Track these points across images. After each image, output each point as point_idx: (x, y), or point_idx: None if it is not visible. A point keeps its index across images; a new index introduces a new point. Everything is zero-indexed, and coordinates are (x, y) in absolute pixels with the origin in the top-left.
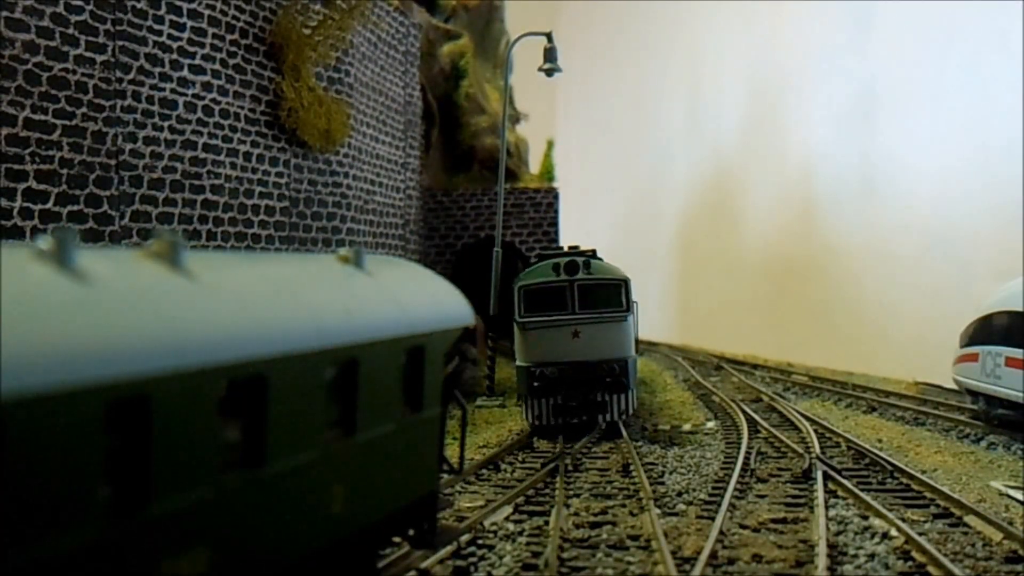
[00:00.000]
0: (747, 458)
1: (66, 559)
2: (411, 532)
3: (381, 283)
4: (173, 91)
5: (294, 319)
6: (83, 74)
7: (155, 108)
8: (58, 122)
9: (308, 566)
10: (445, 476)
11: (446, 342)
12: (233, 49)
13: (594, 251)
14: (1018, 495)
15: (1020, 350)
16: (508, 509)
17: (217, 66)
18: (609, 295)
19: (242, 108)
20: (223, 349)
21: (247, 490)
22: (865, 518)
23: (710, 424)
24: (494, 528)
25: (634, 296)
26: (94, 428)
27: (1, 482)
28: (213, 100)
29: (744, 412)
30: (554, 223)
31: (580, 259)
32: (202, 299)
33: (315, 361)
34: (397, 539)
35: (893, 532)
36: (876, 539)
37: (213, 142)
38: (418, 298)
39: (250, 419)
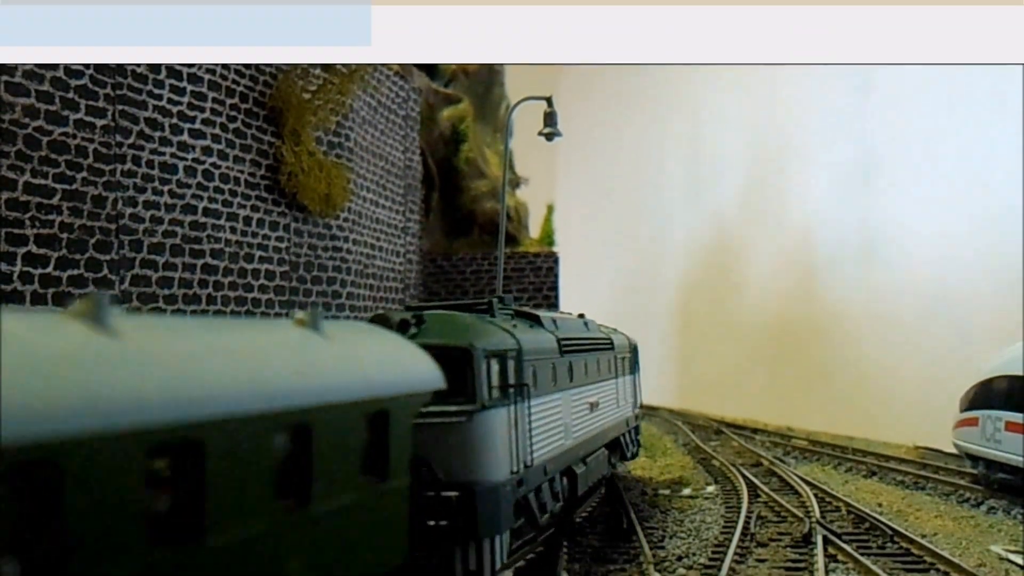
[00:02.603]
0: (747, 522)
1: None
2: None
3: (339, 346)
4: (173, 155)
5: (236, 381)
6: (83, 138)
7: (155, 172)
8: (58, 186)
9: None
10: None
11: (413, 407)
12: (233, 113)
13: (581, 315)
14: (1018, 559)
15: (1020, 415)
16: (508, 574)
17: (217, 130)
18: (452, 375)
19: (242, 172)
20: (147, 411)
21: (184, 567)
22: None
23: (710, 488)
24: None
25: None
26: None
27: None
28: (213, 164)
29: (744, 476)
30: (554, 287)
31: (415, 316)
32: (126, 361)
33: (260, 425)
34: None
35: None
36: None
37: (213, 206)
38: (380, 361)
39: (186, 488)
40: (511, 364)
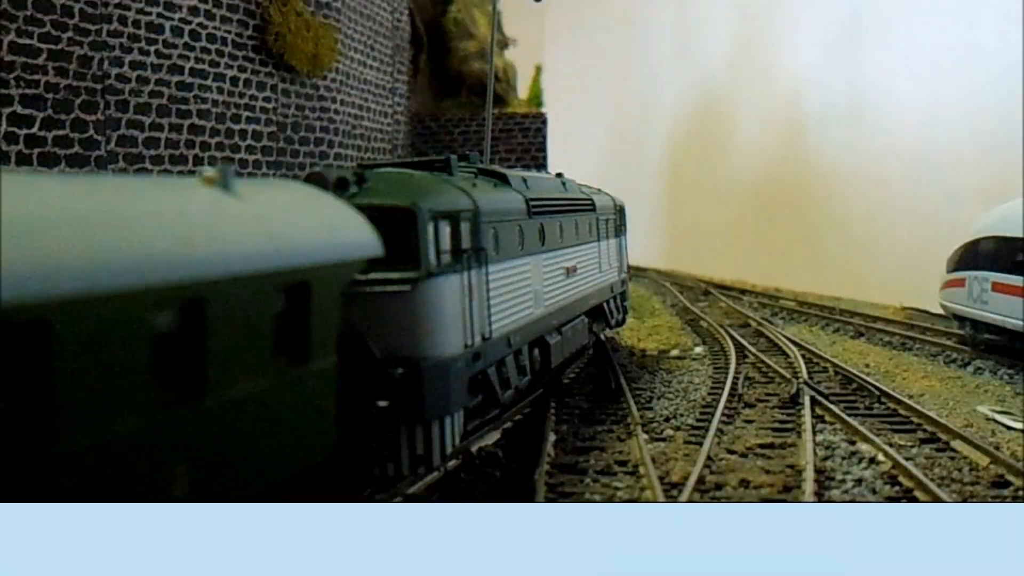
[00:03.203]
0: (735, 383)
1: None
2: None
3: (251, 208)
4: (159, 15)
5: (105, 250)
6: None
7: (141, 32)
8: (43, 46)
9: None
10: None
11: (340, 278)
12: None
13: (559, 174)
14: (1005, 419)
15: (1007, 275)
16: (496, 435)
17: None
18: (394, 239)
19: (229, 32)
20: None
21: (35, 474)
22: (852, 443)
23: (698, 349)
24: (482, 454)
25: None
26: None
27: None
28: (200, 24)
29: (732, 337)
30: (542, 148)
31: (356, 174)
32: None
33: (128, 303)
34: None
35: (880, 457)
36: (863, 464)
37: (200, 67)
38: (302, 226)
39: (30, 380)
40: (465, 226)
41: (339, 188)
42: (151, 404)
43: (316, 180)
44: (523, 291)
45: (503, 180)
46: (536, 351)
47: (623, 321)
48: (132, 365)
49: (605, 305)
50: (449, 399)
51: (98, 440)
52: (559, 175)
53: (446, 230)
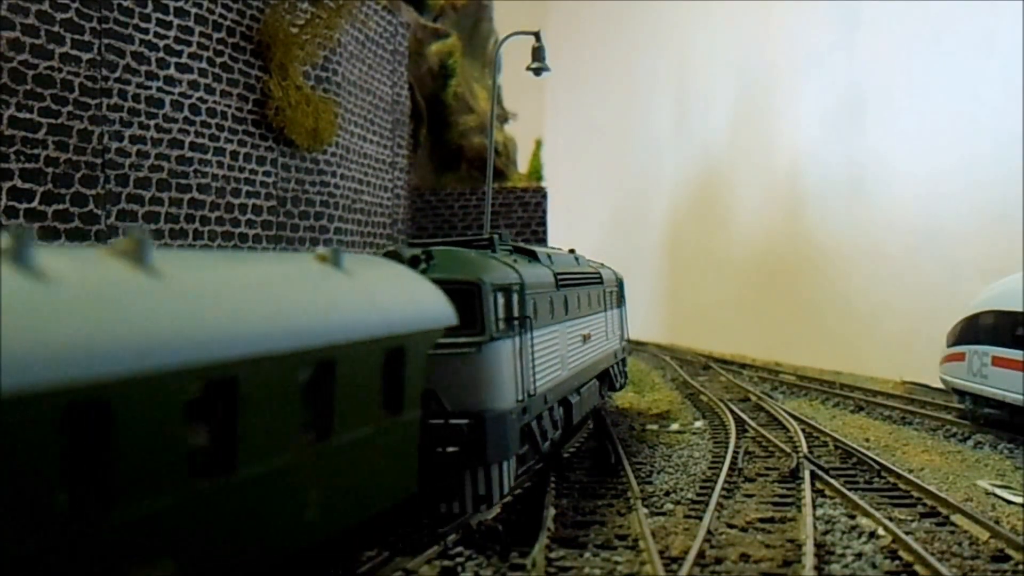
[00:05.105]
0: (735, 457)
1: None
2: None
3: (359, 283)
4: (160, 89)
5: (267, 320)
6: (69, 72)
7: (141, 106)
8: (44, 120)
9: (284, 570)
10: None
11: (427, 343)
12: (220, 47)
13: (571, 250)
14: (1005, 494)
15: (1007, 349)
16: (496, 508)
17: (204, 64)
18: (462, 308)
19: (229, 107)
20: (190, 350)
21: (218, 496)
22: (852, 517)
23: (698, 423)
24: (481, 527)
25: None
26: (52, 430)
27: None
28: (200, 99)
29: (732, 411)
30: (542, 222)
31: (425, 252)
32: (169, 299)
33: (284, 364)
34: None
35: (880, 531)
36: (863, 538)
37: (200, 141)
38: (398, 298)
39: (221, 423)
40: (515, 297)
41: (413, 264)
42: (299, 442)
43: (394, 257)
44: (554, 355)
45: (533, 256)
46: (560, 409)
47: (624, 385)
48: (289, 410)
49: (610, 369)
50: (507, 446)
51: (268, 469)
52: (572, 251)
53: (502, 301)
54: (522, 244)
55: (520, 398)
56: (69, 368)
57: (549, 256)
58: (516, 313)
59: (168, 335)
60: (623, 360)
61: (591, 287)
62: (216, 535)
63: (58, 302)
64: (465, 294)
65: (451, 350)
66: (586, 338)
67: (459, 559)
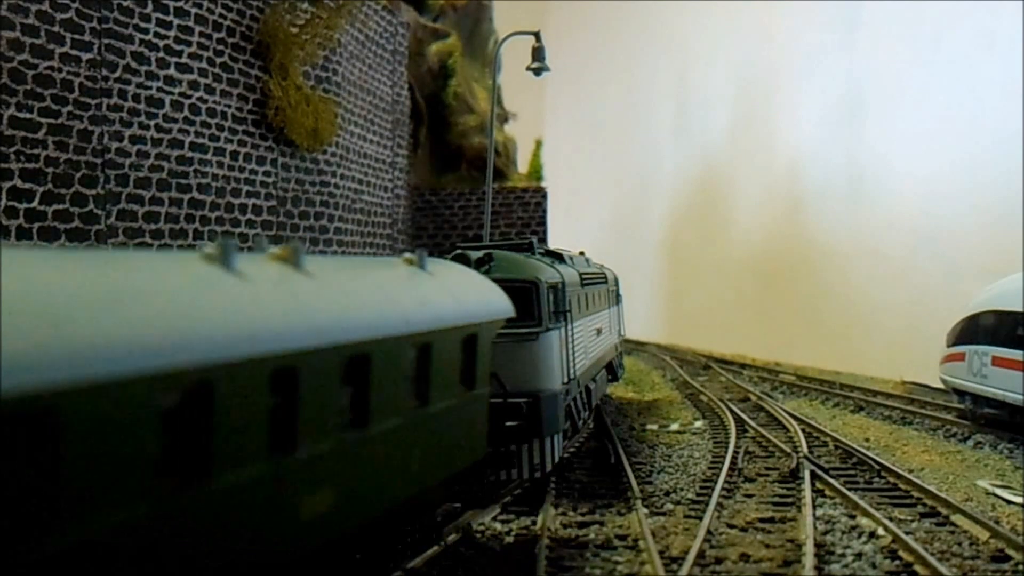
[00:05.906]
0: (735, 457)
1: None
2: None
3: (441, 281)
4: (160, 89)
5: (389, 310)
6: (69, 72)
7: (141, 107)
8: (43, 120)
9: (396, 512)
10: None
11: (492, 331)
12: (220, 48)
13: (581, 252)
14: (1005, 494)
15: (1007, 349)
16: (496, 509)
17: (204, 64)
18: (520, 302)
19: (229, 107)
20: (338, 333)
21: (361, 444)
22: (852, 517)
23: (698, 423)
24: (482, 528)
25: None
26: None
27: None
28: (200, 99)
29: (732, 411)
30: (542, 222)
31: (486, 255)
32: (325, 294)
33: (401, 346)
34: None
35: (880, 531)
36: (863, 538)
37: (200, 141)
38: (470, 293)
39: (358, 390)
40: (559, 294)
41: (478, 266)
42: (409, 406)
43: (461, 260)
44: (581, 345)
45: (561, 258)
46: (583, 393)
47: (622, 375)
48: (408, 380)
49: (612, 361)
50: (558, 421)
51: (387, 428)
52: (582, 253)
53: (552, 297)
54: (551, 247)
55: (565, 380)
56: (270, 344)
57: (571, 258)
58: (561, 307)
59: (325, 322)
60: (621, 354)
61: (600, 286)
62: (360, 473)
63: (257, 295)
64: (525, 291)
65: (514, 339)
66: (599, 331)
67: (461, 559)
